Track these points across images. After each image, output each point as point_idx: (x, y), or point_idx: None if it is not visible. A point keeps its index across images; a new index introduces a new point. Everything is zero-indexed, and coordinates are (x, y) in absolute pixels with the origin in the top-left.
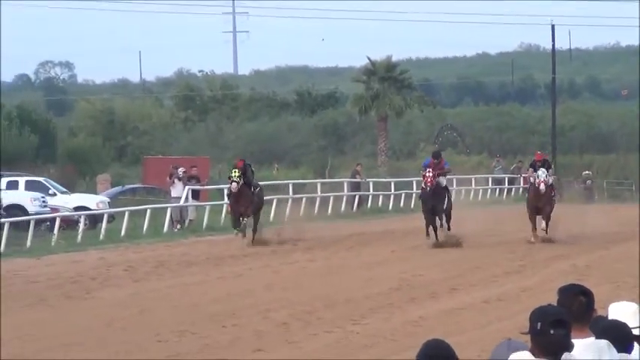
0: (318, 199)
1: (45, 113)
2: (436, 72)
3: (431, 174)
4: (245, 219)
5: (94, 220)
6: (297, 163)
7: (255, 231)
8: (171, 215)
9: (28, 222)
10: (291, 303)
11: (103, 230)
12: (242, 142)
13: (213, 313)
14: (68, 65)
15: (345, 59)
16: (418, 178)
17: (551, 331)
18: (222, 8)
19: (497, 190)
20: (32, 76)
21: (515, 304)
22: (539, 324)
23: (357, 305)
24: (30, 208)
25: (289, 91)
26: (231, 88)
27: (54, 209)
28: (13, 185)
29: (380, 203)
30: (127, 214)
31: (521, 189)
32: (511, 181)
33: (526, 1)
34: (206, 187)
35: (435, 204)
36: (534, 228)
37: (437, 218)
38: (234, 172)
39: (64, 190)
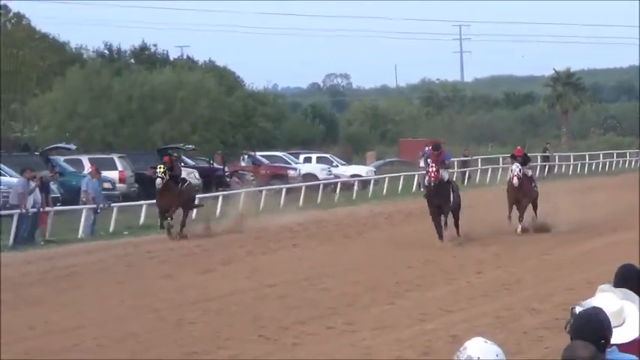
0: None
1: (330, 110)
2: (602, 78)
3: (434, 168)
4: (170, 218)
5: (364, 183)
6: (505, 143)
7: (182, 225)
8: (418, 180)
9: (319, 185)
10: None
11: (370, 191)
12: (466, 129)
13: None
14: (346, 76)
15: (539, 70)
16: (583, 153)
17: None
18: (452, 36)
19: None
20: (321, 84)
21: None
22: None
23: (548, 241)
24: (320, 176)
25: (500, 92)
26: (458, 91)
27: (336, 176)
28: (307, 160)
29: (563, 170)
30: (387, 179)
31: None
32: None
33: None
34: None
35: (441, 203)
36: (510, 216)
37: (443, 216)
38: (159, 167)
39: (343, 162)
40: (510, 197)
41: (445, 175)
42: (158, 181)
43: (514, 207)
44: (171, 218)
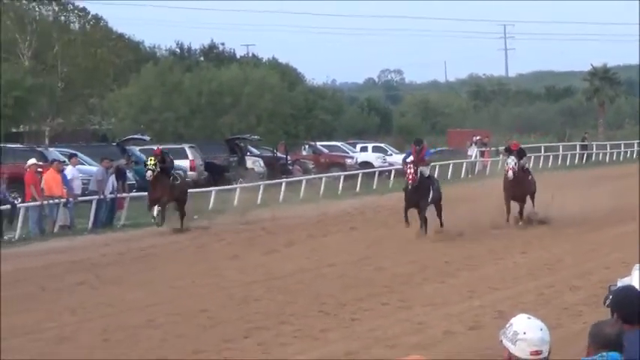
0: (560, 156)
1: (384, 103)
2: (636, 73)
3: (412, 170)
4: (158, 208)
5: None
6: (547, 133)
7: (181, 218)
8: (466, 167)
9: (374, 173)
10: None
11: None
12: (510, 120)
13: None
14: (399, 72)
15: (577, 65)
16: (619, 142)
17: None
18: (497, 34)
19: None
20: (376, 79)
21: None
22: None
23: (586, 225)
24: (375, 164)
25: (541, 86)
26: (503, 85)
27: (390, 164)
28: (364, 149)
29: (600, 158)
30: (437, 167)
31: None
32: None
33: None
34: (488, 148)
35: (418, 200)
36: (508, 212)
37: (425, 210)
38: (150, 160)
39: (397, 151)
40: (507, 191)
41: (425, 171)
42: (149, 173)
43: (512, 204)
44: (162, 214)
